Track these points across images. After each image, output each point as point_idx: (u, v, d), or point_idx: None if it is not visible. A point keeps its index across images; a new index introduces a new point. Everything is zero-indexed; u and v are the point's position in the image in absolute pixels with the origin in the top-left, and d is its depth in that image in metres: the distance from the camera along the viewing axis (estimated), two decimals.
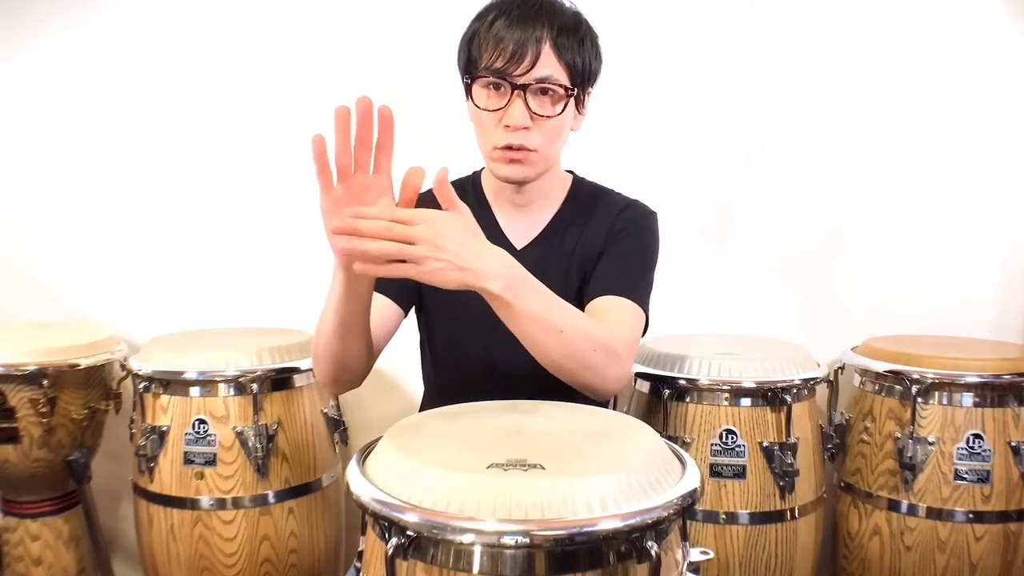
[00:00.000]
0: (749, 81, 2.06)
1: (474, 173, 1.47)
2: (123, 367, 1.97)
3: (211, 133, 2.15)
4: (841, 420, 1.91)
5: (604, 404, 1.33)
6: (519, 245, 1.40)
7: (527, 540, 0.80)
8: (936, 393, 1.74)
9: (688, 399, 1.74)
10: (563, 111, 1.26)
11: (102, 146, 2.17)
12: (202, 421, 1.73)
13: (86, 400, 1.93)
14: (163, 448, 1.74)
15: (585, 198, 1.44)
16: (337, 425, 1.93)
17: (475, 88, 1.28)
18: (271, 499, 1.76)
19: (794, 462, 1.68)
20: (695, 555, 0.96)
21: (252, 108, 2.13)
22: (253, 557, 1.74)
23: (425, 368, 1.52)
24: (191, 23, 2.12)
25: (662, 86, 2.06)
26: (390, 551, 0.83)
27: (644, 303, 1.35)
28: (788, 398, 1.70)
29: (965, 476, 1.70)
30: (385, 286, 1.38)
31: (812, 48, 2.04)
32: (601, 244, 1.39)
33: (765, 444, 1.69)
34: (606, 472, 0.86)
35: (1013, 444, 1.69)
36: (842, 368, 1.98)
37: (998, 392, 1.71)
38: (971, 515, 1.69)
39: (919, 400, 1.73)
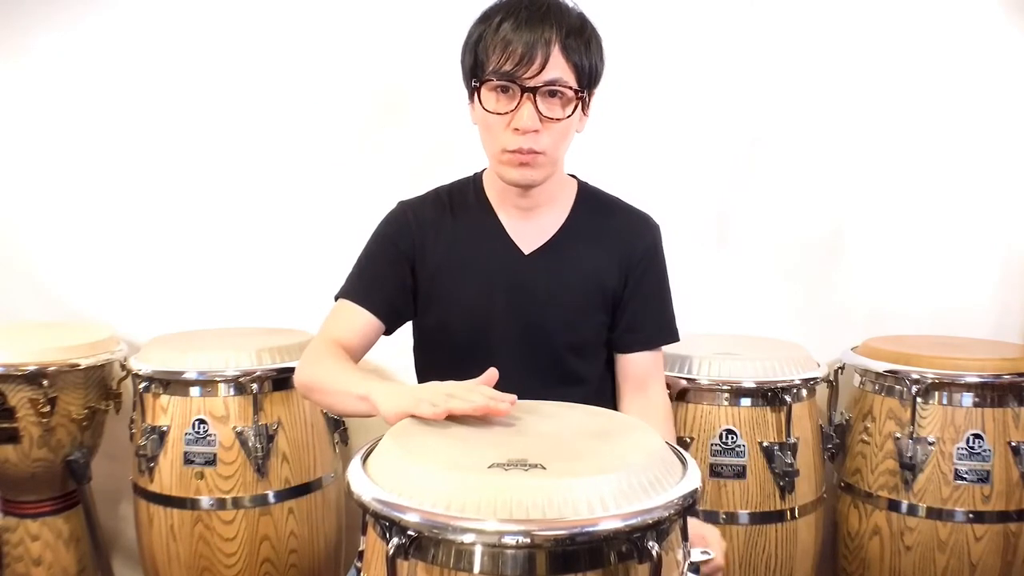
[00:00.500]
0: (749, 82, 2.06)
1: (475, 175, 1.46)
2: (123, 367, 1.97)
3: (211, 133, 2.15)
4: (841, 420, 1.91)
5: (605, 404, 1.32)
6: (526, 250, 1.38)
7: (528, 540, 0.79)
8: (936, 393, 1.74)
9: (688, 399, 1.74)
10: (572, 113, 1.26)
11: (102, 146, 2.17)
12: (202, 421, 1.73)
13: (86, 400, 1.93)
14: (163, 448, 1.74)
15: (594, 207, 1.43)
16: (337, 425, 1.94)
17: (483, 91, 1.26)
18: (271, 499, 1.76)
19: (794, 462, 1.69)
20: (695, 555, 0.96)
21: (252, 108, 2.13)
22: (253, 557, 1.74)
23: (420, 372, 1.50)
24: (190, 23, 2.12)
25: (662, 88, 2.06)
26: (391, 551, 0.83)
27: (676, 329, 1.46)
28: (788, 398, 1.70)
29: (965, 476, 1.70)
30: (375, 304, 1.37)
31: (812, 50, 2.05)
32: (623, 274, 1.40)
33: (765, 444, 1.69)
34: (607, 472, 0.86)
35: (1013, 444, 1.69)
36: (842, 368, 1.98)
37: (998, 392, 1.71)
38: (971, 515, 1.70)
39: (919, 400, 1.73)
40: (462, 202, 1.42)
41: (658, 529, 0.84)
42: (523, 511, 0.81)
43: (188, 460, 1.73)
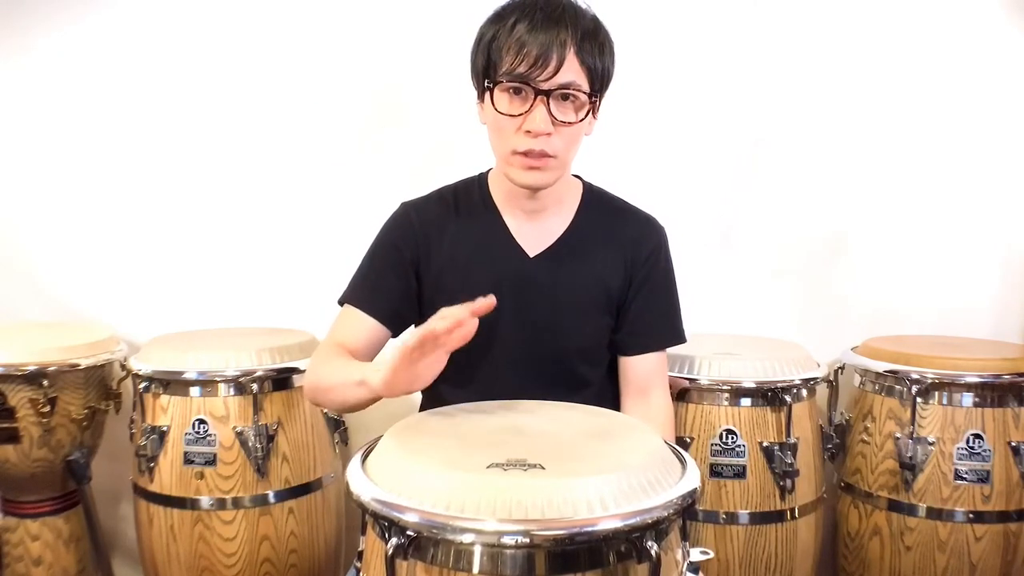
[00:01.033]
0: (750, 84, 2.06)
1: (480, 175, 1.45)
2: (123, 367, 1.97)
3: (211, 133, 2.15)
4: (841, 420, 1.91)
5: (605, 404, 1.32)
6: (532, 253, 1.38)
7: (527, 540, 0.80)
8: (936, 393, 1.74)
9: (688, 399, 1.74)
10: (584, 117, 1.25)
11: (102, 146, 2.17)
12: (202, 421, 1.73)
13: (86, 400, 1.93)
14: (163, 448, 1.74)
15: (600, 209, 1.42)
16: (337, 425, 1.94)
17: (496, 92, 1.25)
18: (271, 499, 1.76)
19: (794, 462, 1.68)
20: (695, 555, 0.96)
21: (252, 108, 2.13)
22: (253, 557, 1.74)
23: None
24: (190, 23, 2.12)
25: (665, 89, 2.06)
26: (390, 551, 0.83)
27: (682, 331, 1.45)
28: (788, 398, 1.70)
29: (965, 476, 1.70)
30: (380, 309, 1.37)
31: (813, 51, 2.04)
32: (628, 276, 1.39)
33: (765, 444, 1.69)
34: (606, 472, 0.86)
35: (1013, 444, 1.69)
36: (842, 368, 1.98)
37: (998, 392, 1.71)
38: (971, 515, 1.69)
39: (919, 400, 1.73)
40: (467, 203, 1.41)
41: (657, 529, 0.84)
42: (522, 511, 0.81)
43: (188, 460, 1.73)
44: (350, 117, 2.13)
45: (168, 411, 1.75)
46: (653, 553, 0.82)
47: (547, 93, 1.21)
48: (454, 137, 1.97)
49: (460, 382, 1.32)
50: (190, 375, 1.74)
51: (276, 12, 2.10)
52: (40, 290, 2.22)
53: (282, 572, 1.78)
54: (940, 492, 1.71)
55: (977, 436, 1.70)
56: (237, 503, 1.73)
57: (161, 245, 2.19)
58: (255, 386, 1.74)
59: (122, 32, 2.13)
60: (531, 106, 1.22)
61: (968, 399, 1.72)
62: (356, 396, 1.18)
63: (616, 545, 0.84)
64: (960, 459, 1.70)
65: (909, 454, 1.72)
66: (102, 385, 1.99)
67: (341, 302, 1.41)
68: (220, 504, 1.72)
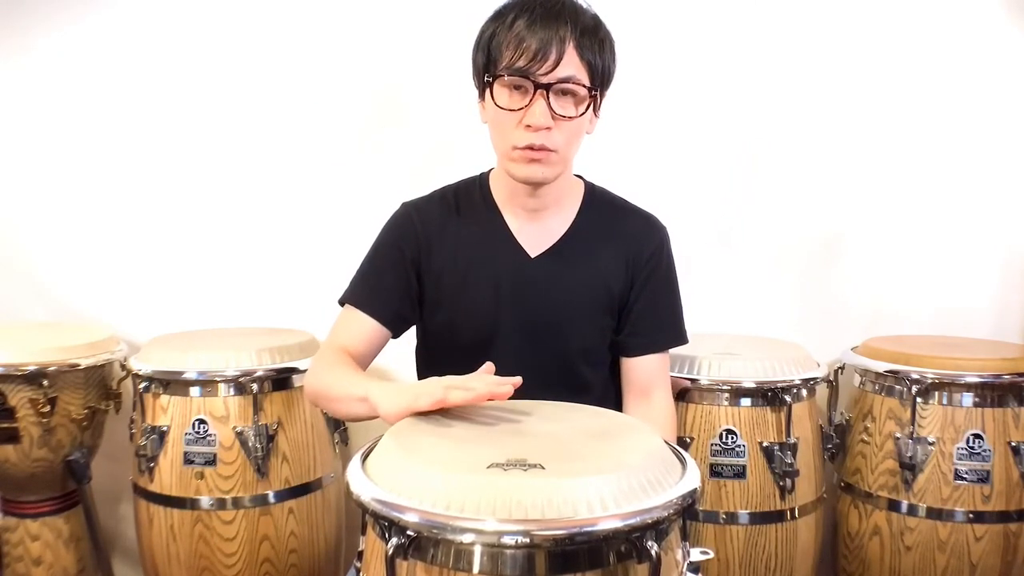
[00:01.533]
0: (750, 84, 2.06)
1: (481, 175, 1.45)
2: (123, 367, 1.97)
3: (211, 133, 2.15)
4: (841, 420, 1.91)
5: (607, 405, 1.32)
6: (533, 253, 1.37)
7: (527, 540, 0.79)
8: (936, 393, 1.74)
9: (688, 399, 1.74)
10: (584, 112, 1.25)
11: (102, 146, 2.17)
12: (202, 421, 1.73)
13: (86, 400, 1.93)
14: (163, 448, 1.74)
15: (601, 209, 1.42)
16: (337, 425, 1.94)
17: (496, 87, 1.25)
18: (271, 499, 1.76)
19: (794, 462, 1.68)
20: (695, 555, 0.96)
21: (252, 108, 2.13)
22: (253, 557, 1.74)
23: (423, 375, 1.49)
24: (190, 23, 2.12)
25: (665, 90, 2.06)
26: (390, 551, 0.83)
27: (684, 331, 1.45)
28: (788, 398, 1.70)
29: (965, 476, 1.70)
30: (380, 310, 1.37)
31: (813, 51, 2.04)
32: (630, 276, 1.39)
33: (765, 444, 1.69)
34: (606, 472, 0.86)
35: (1013, 444, 1.69)
36: (842, 368, 1.98)
37: (998, 392, 1.71)
38: (971, 515, 1.69)
39: (919, 400, 1.73)
40: (468, 203, 1.41)
41: (657, 529, 0.84)
42: (522, 511, 0.81)
43: (188, 460, 1.73)
44: (350, 117, 2.13)
45: (168, 411, 1.75)
46: (653, 553, 0.82)
47: (547, 87, 1.21)
48: (454, 137, 1.97)
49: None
50: (190, 375, 1.74)
51: (276, 12, 2.10)
52: (40, 290, 2.22)
53: (282, 572, 1.78)
54: (940, 492, 1.71)
55: (977, 436, 1.70)
56: (237, 503, 1.73)
57: (161, 245, 2.19)
58: (255, 386, 1.74)
59: (122, 32, 2.13)
60: (531, 100, 1.22)
61: (968, 399, 1.72)
62: (357, 411, 1.19)
63: (616, 545, 0.84)
64: (960, 459, 1.70)
65: (909, 454, 1.72)
66: (102, 385, 1.99)
67: (341, 302, 1.41)
68: (220, 504, 1.72)
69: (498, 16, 1.25)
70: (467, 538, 0.80)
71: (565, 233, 1.39)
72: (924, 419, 1.73)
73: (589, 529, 0.81)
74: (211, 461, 1.73)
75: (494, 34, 1.24)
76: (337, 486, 1.91)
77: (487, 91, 1.26)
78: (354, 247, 1.44)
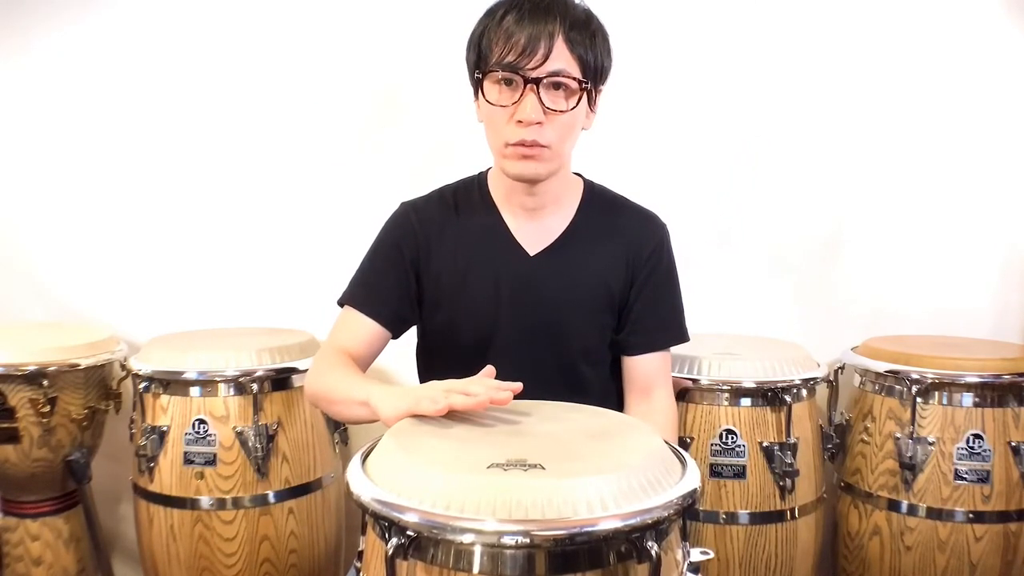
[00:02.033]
0: (750, 83, 2.06)
1: (479, 175, 1.44)
2: (123, 367, 1.97)
3: (211, 133, 2.15)
4: (841, 420, 1.91)
5: (608, 404, 1.32)
6: (532, 251, 1.37)
7: (527, 540, 0.79)
8: (936, 393, 1.74)
9: (688, 399, 1.74)
10: (576, 106, 1.24)
11: (102, 146, 2.17)
12: (202, 421, 1.73)
13: (86, 400, 1.93)
14: (163, 448, 1.74)
15: (600, 207, 1.42)
16: (337, 425, 1.94)
17: (486, 84, 1.25)
18: (271, 499, 1.76)
19: (794, 462, 1.68)
20: (695, 555, 0.96)
21: (252, 108, 2.13)
22: (253, 557, 1.74)
23: (423, 375, 1.49)
24: (190, 23, 2.12)
25: (665, 89, 2.06)
26: (390, 551, 0.83)
27: (685, 330, 1.45)
28: (788, 398, 1.70)
29: (965, 476, 1.70)
30: (380, 311, 1.37)
31: (812, 50, 2.04)
32: (630, 275, 1.39)
33: (765, 444, 1.69)
34: (606, 472, 0.86)
35: (1013, 444, 1.69)
36: (842, 368, 1.98)
37: (998, 392, 1.71)
38: (971, 515, 1.69)
39: (919, 400, 1.73)
40: (467, 202, 1.41)
41: (657, 529, 0.84)
42: (522, 511, 0.81)
43: (188, 460, 1.73)
44: (350, 117, 2.13)
45: (168, 411, 1.75)
46: (653, 553, 0.82)
47: (536, 81, 1.21)
48: (454, 137, 1.97)
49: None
50: (190, 375, 1.74)
51: (276, 12, 2.10)
52: (40, 290, 2.22)
53: (282, 572, 1.78)
54: (940, 492, 1.71)
55: (977, 436, 1.70)
56: (237, 503, 1.73)
57: (161, 245, 2.19)
58: (255, 386, 1.74)
59: (122, 32, 2.13)
60: (521, 95, 1.22)
61: (968, 399, 1.72)
62: (358, 414, 1.19)
63: (616, 545, 0.84)
64: (960, 459, 1.70)
65: (909, 454, 1.72)
66: (102, 385, 1.99)
67: (341, 303, 1.40)
68: (220, 504, 1.72)
69: (489, 13, 1.26)
70: (467, 538, 0.80)
71: (564, 231, 1.38)
72: (924, 419, 1.73)
73: (589, 529, 0.81)
74: (211, 461, 1.73)
75: (484, 31, 1.25)
76: (337, 486, 1.91)
77: (479, 88, 1.27)
78: (354, 247, 1.44)
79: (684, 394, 1.73)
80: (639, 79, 1.99)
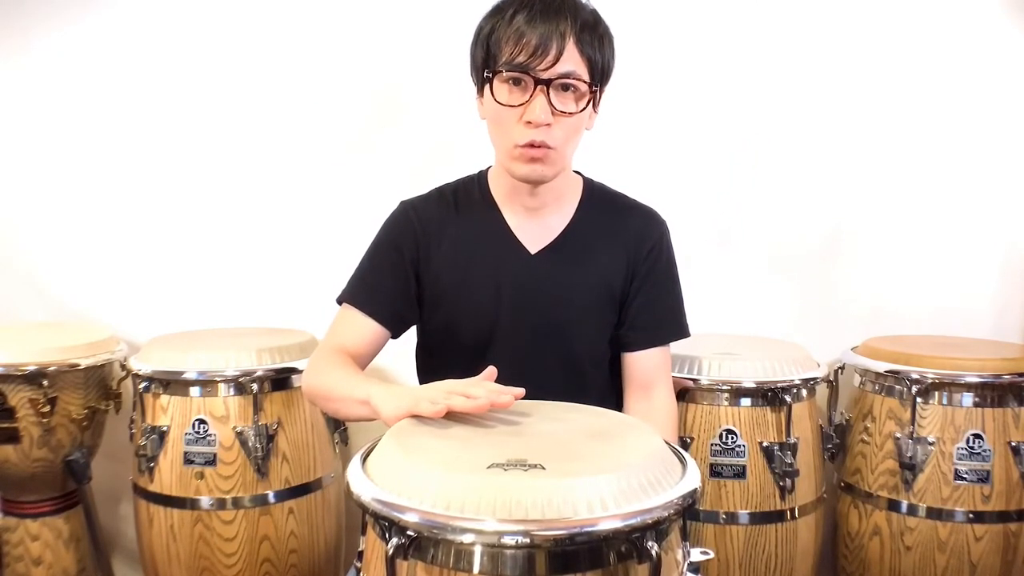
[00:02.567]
0: (749, 83, 2.06)
1: (480, 173, 1.44)
2: (123, 367, 1.97)
3: (211, 133, 2.15)
4: (841, 420, 1.91)
5: (609, 406, 1.32)
6: (533, 250, 1.37)
7: (527, 540, 0.79)
8: (936, 393, 1.74)
9: (688, 399, 1.74)
10: (584, 108, 1.25)
11: (101, 146, 2.17)
12: (202, 421, 1.73)
13: (86, 400, 1.93)
14: (163, 448, 1.74)
15: (600, 204, 1.42)
16: (337, 425, 1.94)
17: (495, 83, 1.24)
18: (271, 499, 1.76)
19: (794, 462, 1.68)
20: (695, 555, 0.96)
21: (251, 108, 2.13)
22: (253, 557, 1.74)
23: (424, 374, 1.49)
24: (190, 23, 2.12)
25: (664, 88, 2.06)
26: (390, 551, 0.83)
27: (685, 325, 1.45)
28: (788, 398, 1.70)
29: (965, 476, 1.70)
30: (379, 310, 1.37)
31: (812, 50, 2.04)
32: (630, 271, 1.39)
33: (765, 444, 1.69)
34: (606, 472, 0.86)
35: (1013, 444, 1.69)
36: (842, 368, 1.98)
37: (998, 392, 1.71)
38: (971, 515, 1.69)
39: (919, 400, 1.73)
40: (467, 201, 1.41)
41: (657, 529, 0.84)
42: (522, 511, 0.81)
43: (188, 460, 1.73)
44: (350, 117, 2.13)
45: (168, 411, 1.75)
46: (653, 553, 0.82)
47: (547, 83, 1.21)
48: (454, 137, 1.97)
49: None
50: (190, 375, 1.74)
51: (276, 12, 2.10)
52: (40, 290, 2.22)
53: (282, 572, 1.78)
54: (940, 492, 1.71)
55: (977, 436, 1.70)
56: (237, 503, 1.73)
57: (161, 245, 2.19)
58: (255, 386, 1.74)
59: (122, 32, 2.13)
60: (531, 96, 1.22)
61: (968, 399, 1.72)
62: (357, 413, 1.19)
63: (616, 545, 0.84)
64: (960, 459, 1.70)
65: (909, 454, 1.72)
66: (102, 385, 1.99)
67: (340, 302, 1.40)
68: (220, 504, 1.72)
69: (496, 11, 1.25)
70: (467, 538, 0.80)
71: (564, 229, 1.38)
72: (924, 419, 1.73)
73: (589, 529, 0.81)
74: (211, 461, 1.73)
75: (493, 29, 1.23)
76: (337, 486, 1.91)
77: (486, 87, 1.26)
78: (354, 247, 1.44)
79: (684, 394, 1.73)
80: (640, 78, 1.99)
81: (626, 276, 1.39)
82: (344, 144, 2.14)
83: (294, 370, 1.81)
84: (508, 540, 0.79)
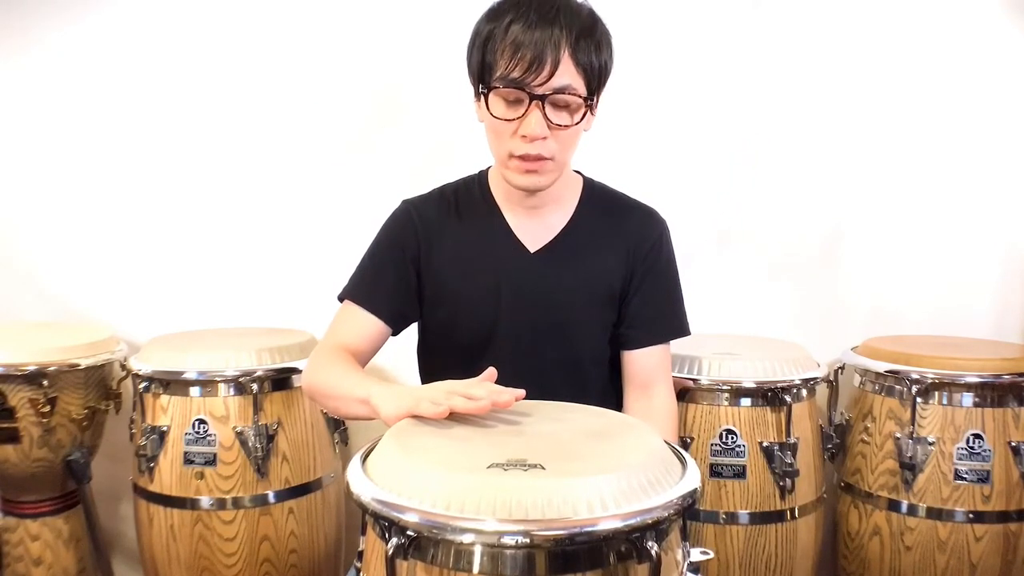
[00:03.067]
0: (749, 84, 2.06)
1: (480, 173, 1.45)
2: (123, 367, 1.97)
3: (211, 133, 2.15)
4: (841, 420, 1.91)
5: (609, 405, 1.32)
6: (532, 248, 1.38)
7: (527, 540, 0.79)
8: (936, 393, 1.74)
9: (688, 399, 1.74)
10: (580, 120, 1.25)
11: (102, 146, 2.17)
12: (202, 421, 1.73)
13: (86, 400, 1.93)
14: (163, 448, 1.74)
15: (600, 204, 1.42)
16: (337, 425, 1.94)
17: (491, 97, 1.24)
18: (271, 499, 1.76)
19: (794, 462, 1.69)
20: (695, 555, 0.96)
21: (251, 108, 2.13)
22: (253, 557, 1.74)
23: (425, 373, 1.50)
24: (190, 23, 2.12)
25: (664, 89, 2.06)
26: (390, 551, 0.83)
27: (685, 324, 1.44)
28: (788, 398, 1.70)
29: (965, 476, 1.70)
30: (380, 307, 1.37)
31: (811, 50, 2.04)
32: (629, 270, 1.39)
33: (765, 444, 1.69)
34: (606, 472, 0.86)
35: (1013, 444, 1.69)
36: (842, 368, 1.98)
37: (998, 392, 1.71)
38: (971, 515, 1.69)
39: (919, 400, 1.73)
40: (467, 200, 1.41)
41: (657, 529, 0.84)
42: (522, 511, 0.81)
43: (188, 460, 1.73)
44: (350, 117, 2.13)
45: (168, 411, 1.75)
46: (653, 553, 0.82)
47: (542, 98, 1.20)
48: (454, 137, 1.97)
49: (460, 379, 1.32)
50: (190, 375, 1.74)
51: (276, 13, 2.10)
52: (40, 290, 2.22)
53: (282, 572, 1.78)
54: (940, 492, 1.71)
55: (977, 436, 1.70)
56: (237, 503, 1.73)
57: (161, 245, 2.19)
58: (255, 386, 1.74)
59: (122, 32, 2.13)
60: (526, 111, 1.21)
61: (968, 399, 1.72)
62: (357, 411, 1.19)
63: (616, 545, 0.84)
64: (960, 459, 1.70)
65: (909, 454, 1.72)
66: (102, 385, 1.99)
67: (341, 299, 1.41)
68: (220, 504, 1.72)
69: (493, 16, 1.24)
70: (467, 538, 0.80)
71: (564, 228, 1.39)
72: (924, 419, 1.73)
73: (589, 529, 0.80)
74: (211, 461, 1.73)
75: (489, 37, 1.22)
76: (337, 486, 1.91)
77: (482, 98, 1.26)
78: (354, 247, 1.44)
79: (684, 394, 1.73)
80: (639, 78, 1.99)
81: (625, 275, 1.39)
82: (344, 144, 2.14)
83: (294, 370, 1.81)
84: (508, 540, 0.79)
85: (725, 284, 2.13)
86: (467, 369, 1.23)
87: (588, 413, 1.12)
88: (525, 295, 1.36)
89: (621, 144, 2.01)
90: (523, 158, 1.24)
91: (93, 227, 2.20)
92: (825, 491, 1.86)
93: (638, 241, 1.39)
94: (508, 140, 1.25)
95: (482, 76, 1.25)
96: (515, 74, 1.19)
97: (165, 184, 2.18)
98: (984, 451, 1.69)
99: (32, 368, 1.81)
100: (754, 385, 1.71)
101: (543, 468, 0.88)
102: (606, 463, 0.89)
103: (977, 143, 2.05)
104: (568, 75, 1.20)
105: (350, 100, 2.12)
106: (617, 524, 0.81)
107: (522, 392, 1.06)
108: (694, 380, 1.72)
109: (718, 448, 1.70)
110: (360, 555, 0.97)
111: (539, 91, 1.20)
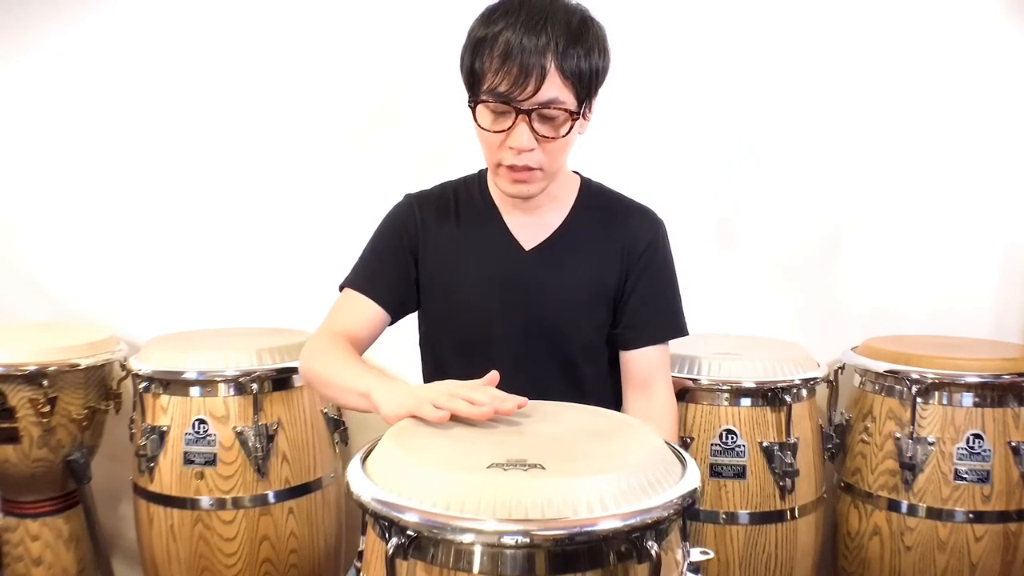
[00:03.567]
0: (749, 84, 2.06)
1: (480, 171, 1.46)
2: (123, 367, 1.97)
3: (210, 133, 2.15)
4: (841, 420, 1.91)
5: (607, 404, 1.32)
6: (527, 246, 1.38)
7: (527, 540, 0.79)
8: (936, 393, 1.74)
9: (688, 399, 1.74)
10: (568, 132, 1.24)
11: (102, 146, 2.18)
12: (202, 421, 1.73)
13: (86, 400, 1.93)
14: (163, 448, 1.74)
15: (596, 203, 1.42)
16: (337, 425, 1.94)
17: (479, 109, 1.25)
18: (271, 499, 1.76)
19: (794, 462, 1.69)
20: (695, 555, 0.96)
21: (251, 108, 2.13)
22: (253, 557, 1.74)
23: (426, 367, 1.50)
24: (190, 23, 2.12)
25: (664, 89, 2.06)
26: (390, 551, 0.83)
27: (683, 323, 1.44)
28: (788, 398, 1.70)
29: (965, 476, 1.70)
30: (381, 294, 1.37)
31: (811, 50, 2.04)
32: (624, 270, 1.39)
33: (765, 444, 1.69)
34: (606, 472, 0.86)
35: (1013, 444, 1.69)
36: (842, 368, 1.98)
37: (998, 392, 1.71)
38: (971, 515, 1.69)
39: (919, 400, 1.73)
40: (467, 198, 1.43)
41: (657, 529, 0.84)
42: (522, 511, 0.81)
43: (188, 460, 1.73)
44: (350, 118, 2.13)
45: (168, 411, 1.75)
46: (653, 553, 0.82)
47: (528, 112, 1.20)
48: (454, 137, 1.96)
49: (457, 379, 1.32)
50: (190, 375, 1.74)
51: (276, 13, 2.10)
52: (40, 290, 2.22)
53: (282, 572, 1.78)
54: (940, 492, 1.71)
55: (977, 436, 1.70)
56: (237, 503, 1.73)
57: (160, 245, 2.19)
58: (255, 386, 1.74)
59: (122, 32, 2.13)
60: (513, 123, 1.22)
61: (968, 399, 1.72)
62: (355, 404, 1.19)
63: (616, 545, 0.84)
64: (960, 459, 1.70)
65: (909, 454, 1.72)
66: (102, 385, 1.99)
67: (342, 287, 1.42)
68: (220, 504, 1.72)
69: (486, 21, 1.23)
70: (467, 538, 0.80)
71: (559, 227, 1.39)
72: (924, 419, 1.73)
73: (589, 529, 0.80)
74: (211, 461, 1.73)
75: (480, 43, 1.21)
76: (337, 486, 1.92)
77: (471, 109, 1.26)
78: (354, 247, 1.45)
79: (684, 394, 1.73)
80: (638, 78, 1.99)
81: (620, 275, 1.39)
82: (344, 144, 2.14)
83: (294, 370, 1.81)
84: (508, 540, 0.79)
85: (725, 284, 2.13)
86: (467, 363, 1.24)
87: (588, 413, 1.12)
88: (516, 293, 1.36)
89: (620, 144, 2.01)
90: (512, 168, 1.25)
91: (93, 227, 2.20)
92: (825, 491, 1.86)
93: (633, 241, 1.39)
94: (497, 150, 1.26)
95: (471, 86, 1.25)
96: (502, 88, 1.19)
97: (165, 184, 2.18)
98: (984, 451, 1.69)
99: (32, 368, 1.81)
100: (754, 385, 1.71)
101: (543, 468, 0.88)
102: (606, 463, 0.89)
103: (977, 143, 2.05)
104: (555, 88, 1.19)
105: (350, 100, 2.12)
106: (617, 524, 0.81)
107: (525, 400, 1.06)
108: (694, 380, 1.72)
109: (718, 448, 1.70)
110: (360, 555, 0.97)
111: (525, 106, 1.20)
